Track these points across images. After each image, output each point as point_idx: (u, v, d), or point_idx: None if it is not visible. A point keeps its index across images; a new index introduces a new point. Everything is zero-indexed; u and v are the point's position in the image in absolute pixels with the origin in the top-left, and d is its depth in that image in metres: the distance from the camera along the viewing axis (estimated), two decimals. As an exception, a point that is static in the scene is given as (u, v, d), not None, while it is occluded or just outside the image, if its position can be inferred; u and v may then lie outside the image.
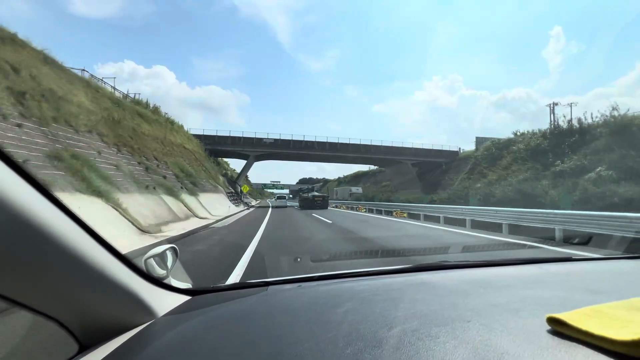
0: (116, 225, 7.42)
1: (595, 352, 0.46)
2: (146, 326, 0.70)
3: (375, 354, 0.50)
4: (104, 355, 0.58)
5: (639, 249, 6.01)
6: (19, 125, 8.11)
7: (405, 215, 16.89)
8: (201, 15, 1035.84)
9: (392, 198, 28.84)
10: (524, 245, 6.57)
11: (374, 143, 41.77)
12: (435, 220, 13.65)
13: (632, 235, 6.18)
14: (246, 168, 40.45)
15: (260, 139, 38.78)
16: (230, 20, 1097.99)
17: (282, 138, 39.45)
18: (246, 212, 22.08)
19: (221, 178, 29.02)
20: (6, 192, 0.45)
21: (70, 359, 0.63)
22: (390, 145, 42.19)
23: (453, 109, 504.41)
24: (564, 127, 26.50)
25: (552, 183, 19.21)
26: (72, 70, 16.66)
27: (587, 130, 23.32)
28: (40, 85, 10.82)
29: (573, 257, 1.35)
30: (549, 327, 0.55)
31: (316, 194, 29.04)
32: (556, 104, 32.80)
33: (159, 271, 0.85)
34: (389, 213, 19.31)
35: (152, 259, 0.84)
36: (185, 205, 14.43)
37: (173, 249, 0.94)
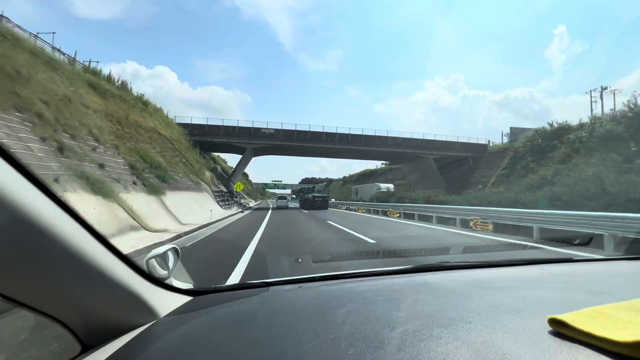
0: None
1: (597, 353, 0.46)
2: (148, 327, 0.70)
3: (377, 355, 0.50)
4: (106, 356, 0.58)
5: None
6: None
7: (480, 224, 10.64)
8: (203, 16, 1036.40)
9: (435, 199, 22.31)
10: (525, 246, 6.61)
11: (391, 134, 36.12)
12: (528, 233, 8.77)
13: None
14: (242, 163, 34.79)
15: (259, 130, 33.12)
16: (232, 21, 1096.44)
17: (284, 128, 33.79)
18: (238, 216, 17.25)
19: (208, 174, 23.71)
20: (9, 192, 0.44)
21: (73, 359, 0.63)
22: (409, 137, 36.48)
23: (455, 109, 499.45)
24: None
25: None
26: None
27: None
28: None
29: (574, 258, 1.36)
30: (550, 328, 0.55)
31: (316, 194, 28.90)
32: (605, 89, 27.07)
33: (161, 272, 0.84)
34: (425, 219, 14.22)
35: (153, 259, 0.83)
36: (128, 210, 8.85)
37: (174, 249, 0.94)
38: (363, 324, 0.62)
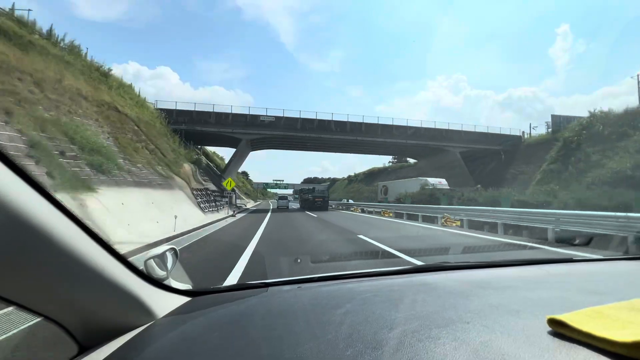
0: None
1: (596, 354, 0.46)
2: (146, 327, 0.70)
3: (375, 356, 0.50)
4: (104, 357, 0.58)
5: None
6: None
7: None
8: (205, 16, 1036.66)
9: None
10: (524, 246, 6.45)
11: (411, 124, 30.93)
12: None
13: None
14: (237, 157, 29.72)
15: (256, 117, 28.02)
16: (233, 22, 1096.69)
17: (286, 116, 28.69)
18: (221, 225, 12.39)
19: (188, 167, 18.67)
20: (6, 193, 0.44)
21: None
22: (432, 127, 31.29)
23: (457, 108, 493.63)
24: None
25: None
26: None
27: None
28: None
29: (573, 258, 1.34)
30: (549, 329, 0.55)
31: (316, 194, 28.63)
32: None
33: (159, 272, 0.83)
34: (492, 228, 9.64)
35: (152, 260, 0.82)
36: None
37: (173, 250, 0.94)
38: (361, 325, 0.62)
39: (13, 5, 14.73)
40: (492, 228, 9.69)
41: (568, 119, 29.90)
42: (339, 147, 35.07)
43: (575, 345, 0.49)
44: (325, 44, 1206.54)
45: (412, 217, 15.51)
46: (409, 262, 4.50)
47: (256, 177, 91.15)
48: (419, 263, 5.18)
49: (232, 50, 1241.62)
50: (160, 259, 0.86)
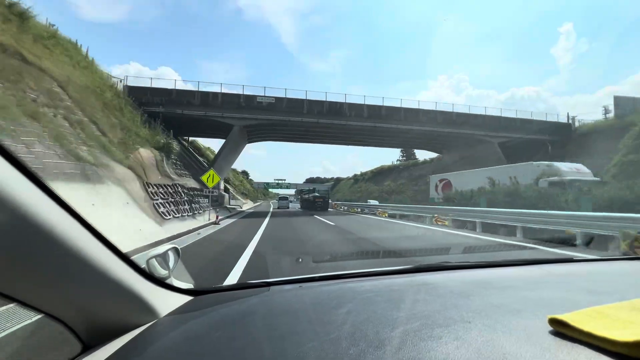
0: None
1: (597, 353, 0.46)
2: (148, 326, 0.70)
3: (378, 355, 0.50)
4: (107, 355, 0.58)
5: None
6: None
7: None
8: (207, 17, 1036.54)
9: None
10: (524, 247, 6.51)
11: (440, 109, 25.50)
12: None
13: None
14: (229, 149, 24.25)
15: (252, 98, 22.53)
16: (235, 23, 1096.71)
17: (289, 97, 23.36)
18: (187, 240, 8.04)
19: (148, 153, 13.12)
20: (9, 190, 0.44)
21: (73, 359, 0.63)
22: (466, 112, 25.85)
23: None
24: None
25: None
26: None
27: None
28: None
29: (574, 258, 1.34)
30: (550, 328, 0.55)
31: (316, 195, 28.46)
32: None
33: (161, 271, 0.84)
34: None
35: (154, 259, 0.83)
36: None
37: (175, 249, 0.94)
38: (363, 324, 0.62)
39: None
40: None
41: (635, 101, 24.20)
42: (353, 137, 28.81)
43: (576, 344, 0.49)
44: (326, 44, 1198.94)
45: (485, 228, 10.08)
46: (407, 262, 4.12)
47: (257, 177, 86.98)
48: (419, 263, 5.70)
49: (234, 51, 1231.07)
50: (163, 258, 0.87)
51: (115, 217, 7.87)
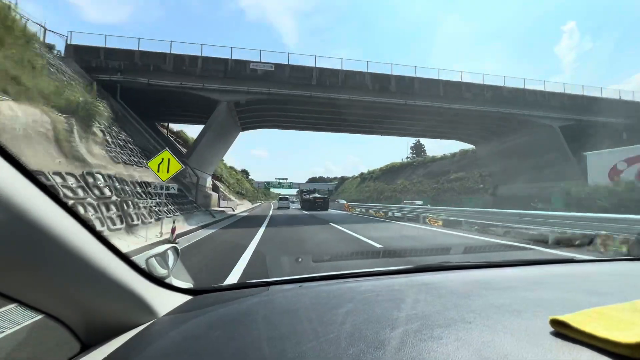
0: None
1: (599, 355, 0.46)
2: (147, 326, 0.70)
3: (378, 355, 0.50)
4: (106, 355, 0.58)
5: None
6: None
7: None
8: (208, 18, 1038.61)
9: None
10: (524, 247, 6.33)
11: (488, 82, 19.83)
12: None
13: None
14: (213, 131, 18.29)
15: (244, 64, 16.97)
16: (237, 23, 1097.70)
17: (292, 64, 17.72)
18: None
19: (50, 116, 7.20)
20: (8, 190, 0.44)
21: (72, 358, 0.62)
22: (519, 87, 20.17)
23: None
24: None
25: None
26: None
27: None
28: None
29: (575, 259, 1.34)
30: (551, 329, 0.55)
31: (317, 195, 28.71)
32: None
33: (160, 271, 0.84)
34: None
35: (153, 258, 0.82)
36: None
37: (174, 248, 0.94)
38: (363, 324, 0.62)
39: None
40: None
41: None
42: (374, 121, 22.28)
43: (577, 345, 0.49)
44: (328, 44, 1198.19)
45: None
46: (407, 262, 4.28)
47: (259, 178, 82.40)
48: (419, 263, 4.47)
49: (234, 52, 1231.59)
50: (162, 257, 0.86)
51: None
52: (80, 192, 7.02)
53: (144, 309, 0.71)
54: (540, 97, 20.22)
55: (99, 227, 6.46)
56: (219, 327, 0.66)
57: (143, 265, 0.77)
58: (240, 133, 24.00)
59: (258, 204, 43.46)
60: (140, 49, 16.13)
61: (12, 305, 0.68)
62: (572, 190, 15.91)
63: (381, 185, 47.50)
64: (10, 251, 0.46)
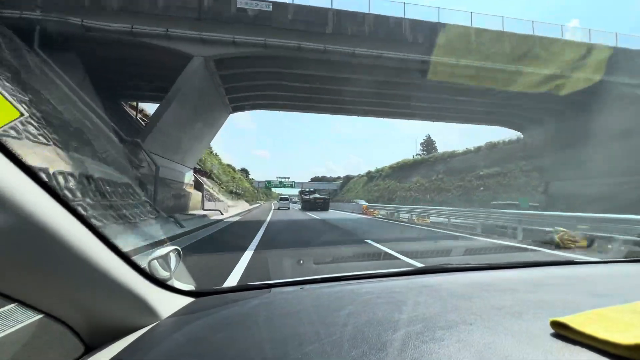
0: None
1: (599, 356, 0.46)
2: (150, 328, 0.70)
3: (380, 357, 0.51)
4: (109, 357, 0.58)
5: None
6: None
7: None
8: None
9: None
10: (525, 249, 6.36)
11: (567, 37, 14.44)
12: None
13: None
14: (183, 96, 12.98)
15: (229, 2, 11.74)
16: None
17: (296, 2, 12.39)
18: None
19: None
20: (12, 191, 0.45)
21: None
22: (612, 45, 14.73)
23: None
24: None
25: None
26: None
27: None
28: None
29: (575, 261, 1.33)
30: (552, 331, 0.55)
31: (317, 196, 29.07)
32: None
33: (163, 273, 0.84)
34: None
35: (155, 260, 0.83)
36: None
37: (177, 250, 0.94)
38: (365, 326, 0.62)
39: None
40: None
41: None
42: (417, 95, 15.75)
43: (578, 347, 0.49)
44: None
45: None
46: (408, 264, 4.41)
47: (260, 177, 78.44)
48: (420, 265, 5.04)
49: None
50: (164, 259, 0.86)
51: None
52: None
53: (147, 311, 0.71)
54: (630, 55, 14.79)
55: None
56: (222, 329, 0.66)
57: (145, 267, 0.77)
58: (231, 115, 18.64)
59: (257, 204, 38.16)
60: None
61: (14, 305, 0.65)
62: None
63: (392, 184, 41.97)
64: (12, 251, 0.46)
